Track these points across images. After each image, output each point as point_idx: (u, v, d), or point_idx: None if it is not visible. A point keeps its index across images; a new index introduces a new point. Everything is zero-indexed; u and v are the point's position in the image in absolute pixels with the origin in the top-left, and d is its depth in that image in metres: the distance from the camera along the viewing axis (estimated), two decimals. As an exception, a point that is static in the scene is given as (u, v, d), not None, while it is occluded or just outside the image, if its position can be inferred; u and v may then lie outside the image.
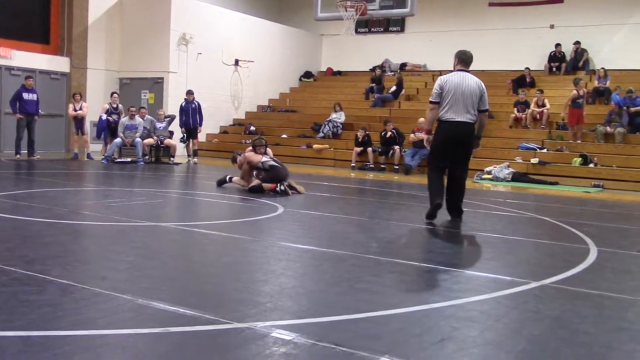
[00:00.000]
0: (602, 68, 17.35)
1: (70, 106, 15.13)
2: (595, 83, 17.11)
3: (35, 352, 2.75)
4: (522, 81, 18.22)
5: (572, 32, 18.73)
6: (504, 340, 3.21)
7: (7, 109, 15.02)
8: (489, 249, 5.85)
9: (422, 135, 15.27)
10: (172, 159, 15.07)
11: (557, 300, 4.04)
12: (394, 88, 19.30)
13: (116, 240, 5.53)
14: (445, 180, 7.21)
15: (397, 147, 15.43)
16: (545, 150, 14.91)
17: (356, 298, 3.84)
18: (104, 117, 14.97)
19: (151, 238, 5.78)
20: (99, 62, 17.95)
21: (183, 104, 15.74)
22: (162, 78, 17.87)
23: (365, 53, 22.09)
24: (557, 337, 3.27)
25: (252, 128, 19.12)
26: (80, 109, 14.92)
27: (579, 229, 7.02)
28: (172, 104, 17.09)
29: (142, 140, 14.73)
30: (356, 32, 18.11)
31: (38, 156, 14.43)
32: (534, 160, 14.40)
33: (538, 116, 16.17)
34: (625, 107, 15.06)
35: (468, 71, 7.05)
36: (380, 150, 15.73)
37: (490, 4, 20.11)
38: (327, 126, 17.82)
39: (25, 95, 14.24)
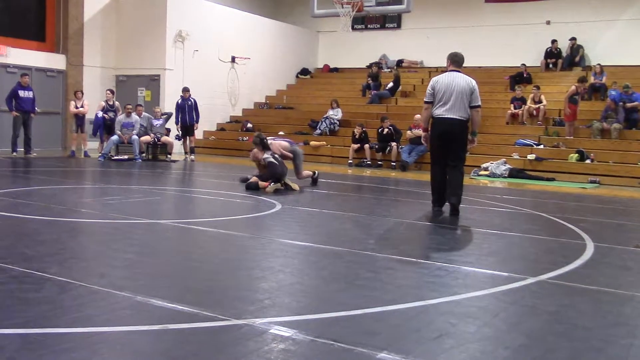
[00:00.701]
0: (598, 64, 17.36)
1: (72, 103, 15.10)
2: (592, 79, 17.13)
3: (34, 349, 2.76)
4: (518, 77, 18.24)
5: (568, 28, 18.74)
6: (502, 335, 3.22)
7: (3, 106, 14.96)
8: (486, 245, 5.86)
9: (419, 132, 15.31)
10: (169, 156, 15.05)
11: (555, 295, 4.06)
12: (390, 85, 19.30)
13: (114, 237, 5.53)
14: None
15: (394, 144, 15.43)
16: (541, 147, 14.93)
17: (354, 294, 3.85)
18: (100, 114, 14.95)
19: (149, 235, 5.78)
20: (95, 59, 17.90)
21: (179, 101, 15.71)
22: (159, 75, 17.83)
23: (361, 50, 22.07)
24: (554, 332, 3.28)
25: (249, 125, 19.09)
26: (82, 106, 14.91)
27: (575, 225, 7.04)
28: (169, 101, 17.05)
29: (139, 137, 14.71)
30: (353, 28, 18.07)
31: (35, 154, 14.40)
32: (531, 157, 14.42)
33: (535, 112, 16.18)
34: (621, 103, 15.08)
35: (459, 71, 7.47)
36: (377, 147, 15.73)
37: (487, 0, 20.11)
38: (324, 123, 17.82)
39: (22, 93, 14.21)
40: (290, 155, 10.25)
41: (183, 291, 3.80)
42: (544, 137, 15.37)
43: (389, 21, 21.61)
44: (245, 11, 20.51)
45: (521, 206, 8.93)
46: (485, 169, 14.02)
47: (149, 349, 2.86)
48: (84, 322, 3.12)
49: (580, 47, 18.69)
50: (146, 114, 15.36)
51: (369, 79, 19.89)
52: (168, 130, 15.70)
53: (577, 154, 14.13)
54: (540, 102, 16.20)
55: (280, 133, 17.91)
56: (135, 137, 14.57)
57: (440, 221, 7.32)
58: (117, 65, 18.39)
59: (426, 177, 13.18)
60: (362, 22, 21.22)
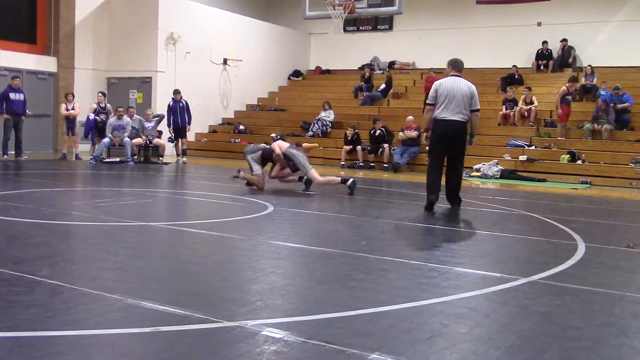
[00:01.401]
0: (589, 65, 17.46)
1: (63, 106, 15.05)
2: (582, 80, 17.22)
3: (24, 352, 2.74)
4: (510, 79, 18.32)
5: (559, 30, 18.84)
6: (494, 336, 3.23)
7: (-7, 109, 14.89)
8: (478, 246, 5.88)
9: (411, 134, 15.38)
10: (161, 158, 15.01)
11: (546, 295, 4.07)
12: (383, 86, 19.33)
13: (105, 240, 5.50)
14: (443, 173, 8.13)
15: (386, 146, 15.46)
16: (533, 148, 15.00)
17: (346, 296, 3.85)
18: (92, 116, 14.90)
19: (140, 238, 5.76)
20: (86, 61, 17.85)
21: (171, 104, 15.68)
22: (150, 77, 17.80)
23: (354, 51, 22.11)
24: (546, 332, 3.29)
25: (241, 127, 19.09)
26: (73, 108, 14.85)
27: (567, 225, 7.06)
28: (161, 104, 17.02)
29: (131, 140, 14.67)
30: (344, 30, 18.15)
31: (26, 156, 14.32)
32: (523, 158, 14.48)
33: (526, 113, 16.25)
34: (612, 104, 15.17)
35: (460, 76, 7.95)
36: (369, 148, 15.75)
37: (478, 2, 20.20)
38: (316, 125, 17.83)
39: (12, 96, 14.14)
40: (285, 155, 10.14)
41: (174, 293, 3.79)
42: (536, 138, 15.44)
43: (381, 23, 21.66)
44: (237, 13, 20.51)
45: (513, 207, 8.95)
46: (477, 170, 14.07)
47: (140, 351, 2.85)
48: (75, 325, 3.11)
49: (571, 48, 18.79)
50: (138, 117, 15.33)
51: (362, 80, 19.91)
52: (160, 133, 15.66)
53: (568, 155, 14.20)
54: (531, 103, 16.27)
55: (272, 135, 17.89)
56: (127, 139, 14.52)
57: (432, 222, 7.34)
58: (109, 67, 18.34)
59: (418, 178, 13.29)
60: (353, 23, 21.26)
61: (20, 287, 3.74)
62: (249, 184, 9.86)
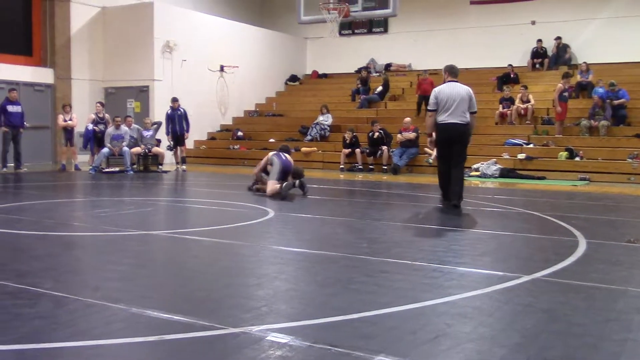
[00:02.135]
0: (584, 62, 17.49)
1: (60, 117, 15.05)
2: (578, 77, 17.24)
3: (30, 364, 2.75)
4: (506, 78, 18.34)
5: (553, 28, 18.88)
6: (498, 334, 3.24)
7: (-9, 122, 14.91)
8: (479, 245, 5.89)
9: (409, 135, 15.40)
10: (160, 167, 15.01)
11: (549, 293, 4.09)
12: (380, 89, 19.36)
13: (108, 250, 5.51)
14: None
15: (384, 148, 15.47)
16: (531, 146, 15.01)
17: (349, 298, 3.86)
18: (90, 127, 14.91)
19: (143, 247, 5.77)
20: (83, 72, 17.85)
21: (169, 112, 15.69)
22: (148, 86, 17.80)
23: (349, 55, 22.14)
24: (549, 330, 3.31)
25: (240, 133, 19.09)
26: (71, 119, 14.87)
27: (567, 222, 7.08)
28: (159, 112, 17.01)
29: (130, 149, 14.68)
30: (340, 34, 18.12)
31: (25, 169, 14.33)
32: (521, 156, 14.50)
33: (523, 112, 16.27)
34: (608, 100, 15.19)
35: (457, 81, 8.39)
36: (368, 151, 15.76)
37: (472, 2, 20.22)
38: (314, 129, 17.84)
39: (10, 108, 14.15)
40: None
41: (178, 301, 3.80)
42: (534, 136, 15.46)
43: (376, 25, 21.67)
44: (232, 20, 20.53)
45: (513, 205, 8.97)
46: (476, 169, 14.08)
47: (146, 360, 2.86)
48: (79, 336, 3.12)
49: (566, 46, 18.83)
50: (136, 126, 15.34)
51: (359, 83, 19.94)
52: (159, 141, 15.67)
53: (566, 152, 14.22)
54: (528, 101, 16.29)
55: (271, 140, 17.95)
56: (126, 149, 14.53)
57: (433, 223, 7.35)
58: (106, 77, 18.35)
59: (418, 179, 13.32)
60: (349, 27, 21.25)
61: (24, 299, 3.75)
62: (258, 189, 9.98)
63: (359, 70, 21.14)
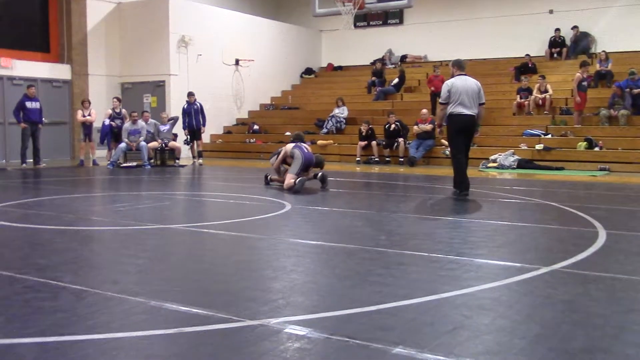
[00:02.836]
0: (603, 51, 17.27)
1: (79, 112, 15.18)
2: (597, 66, 17.03)
3: (51, 357, 2.78)
4: (523, 68, 18.16)
5: (571, 17, 18.65)
6: (517, 326, 3.21)
7: (10, 119, 15.08)
8: (497, 236, 5.85)
9: (426, 127, 15.33)
10: (177, 161, 15.10)
11: (568, 284, 4.05)
12: (396, 80, 19.26)
13: (126, 244, 5.56)
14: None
15: (401, 140, 15.41)
16: (549, 136, 14.86)
17: (367, 291, 3.85)
18: (107, 122, 15.04)
19: (161, 240, 5.81)
20: (100, 68, 17.99)
21: (185, 106, 15.75)
22: (164, 81, 17.90)
23: (365, 47, 22.06)
24: (569, 321, 3.27)
25: (256, 127, 19.13)
26: (89, 115, 15.00)
27: (587, 213, 7.01)
28: (175, 107, 17.12)
29: (147, 143, 14.78)
30: (355, 26, 18.08)
31: (44, 164, 14.49)
32: (539, 147, 14.36)
33: (541, 102, 16.11)
34: (628, 89, 14.99)
35: (466, 74, 8.81)
36: (384, 143, 15.71)
37: (488, -8, 20.04)
38: (330, 122, 17.82)
39: (29, 104, 14.29)
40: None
41: (196, 294, 3.82)
42: (552, 127, 15.30)
43: (391, 17, 21.56)
44: (246, 13, 20.54)
45: (531, 196, 8.90)
46: (494, 160, 13.98)
47: (164, 352, 2.88)
48: (100, 328, 3.15)
49: (584, 35, 18.59)
50: (153, 120, 15.44)
51: (374, 75, 19.86)
52: (175, 136, 15.76)
53: (585, 142, 14.06)
54: (546, 91, 16.12)
55: (287, 133, 17.94)
56: (143, 143, 14.63)
57: (450, 215, 7.31)
58: (122, 72, 18.47)
59: (435, 171, 13.26)
60: (364, 19, 21.17)
61: (45, 292, 3.79)
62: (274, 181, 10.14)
63: (374, 63, 21.04)
